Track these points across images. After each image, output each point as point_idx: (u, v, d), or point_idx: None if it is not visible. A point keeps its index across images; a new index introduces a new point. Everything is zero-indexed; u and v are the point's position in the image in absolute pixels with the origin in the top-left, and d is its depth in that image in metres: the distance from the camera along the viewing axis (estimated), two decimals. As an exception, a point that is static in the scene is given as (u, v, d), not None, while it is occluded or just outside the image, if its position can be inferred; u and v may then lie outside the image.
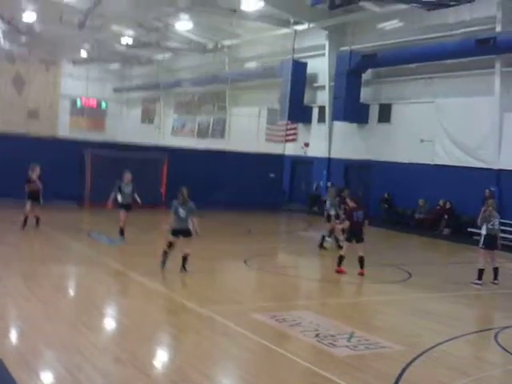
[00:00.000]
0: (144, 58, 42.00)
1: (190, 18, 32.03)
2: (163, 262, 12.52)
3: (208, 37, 34.48)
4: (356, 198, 14.68)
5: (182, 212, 12.43)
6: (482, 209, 13.83)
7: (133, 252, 15.28)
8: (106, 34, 36.06)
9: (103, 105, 49.63)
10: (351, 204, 14.20)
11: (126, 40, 37.65)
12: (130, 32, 36.32)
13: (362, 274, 13.56)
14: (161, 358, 8.14)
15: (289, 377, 7.43)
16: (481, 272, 13.43)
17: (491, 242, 13.48)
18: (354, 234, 13.66)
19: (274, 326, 9.46)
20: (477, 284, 13.33)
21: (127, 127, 46.66)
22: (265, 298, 11.50)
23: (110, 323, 9.63)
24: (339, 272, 13.68)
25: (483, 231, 13.55)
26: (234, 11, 26.59)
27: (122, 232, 15.98)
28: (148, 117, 47.27)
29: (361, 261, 13.59)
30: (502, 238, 20.59)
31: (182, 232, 12.49)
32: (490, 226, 13.50)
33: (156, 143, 32.14)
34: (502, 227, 20.89)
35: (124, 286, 11.75)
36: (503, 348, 9.09)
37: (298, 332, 9.17)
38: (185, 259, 12.48)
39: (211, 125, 39.60)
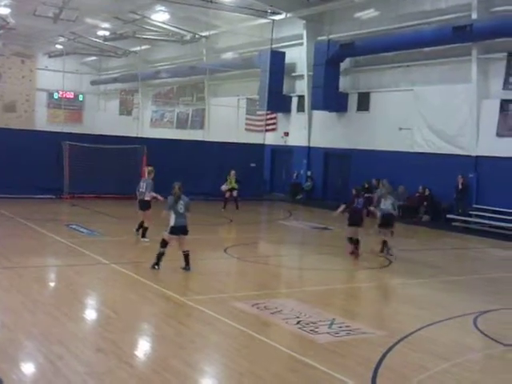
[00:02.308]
0: (121, 50, 41.66)
1: (166, 10, 31.85)
2: (157, 264, 11.91)
3: (185, 28, 34.27)
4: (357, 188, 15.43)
5: (180, 207, 11.83)
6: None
7: (113, 243, 15.25)
8: (82, 26, 35.69)
9: (80, 97, 49.23)
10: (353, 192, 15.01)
11: (102, 32, 37.34)
12: (106, 24, 35.99)
13: (353, 254, 14.45)
14: (143, 347, 8.13)
15: (271, 364, 7.45)
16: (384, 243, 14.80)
17: (385, 221, 14.78)
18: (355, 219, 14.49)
19: (256, 313, 9.48)
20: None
21: (105, 119, 46.32)
22: (246, 287, 11.51)
23: (90, 313, 9.59)
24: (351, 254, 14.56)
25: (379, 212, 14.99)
26: (211, 2, 26.43)
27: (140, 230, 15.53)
28: (126, 109, 46.95)
29: (356, 243, 14.44)
30: (480, 223, 21.01)
31: (181, 229, 11.87)
32: (383, 207, 14.83)
33: (135, 135, 31.94)
34: (480, 213, 21.33)
35: (105, 277, 11.68)
36: (482, 332, 9.20)
37: (280, 319, 9.20)
38: (187, 257, 11.96)
39: (190, 116, 39.48)
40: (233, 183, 23.56)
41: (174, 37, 35.47)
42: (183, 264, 11.95)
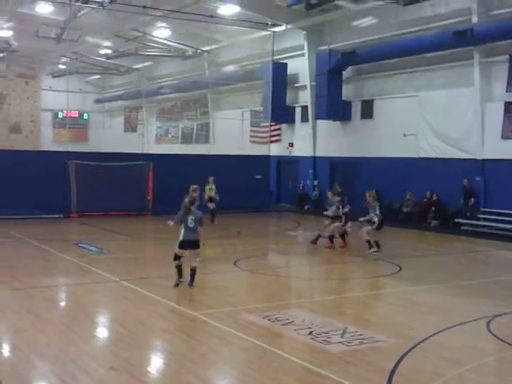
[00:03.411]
0: (124, 67, 41.92)
1: (167, 26, 32.05)
2: (179, 278, 11.79)
3: (187, 43, 34.45)
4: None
5: (190, 221, 11.64)
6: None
7: (122, 260, 15.25)
8: (84, 46, 35.95)
9: (85, 116, 49.50)
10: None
11: (105, 51, 37.59)
12: (108, 43, 36.25)
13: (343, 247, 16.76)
14: (155, 363, 8.11)
15: (285, 376, 7.41)
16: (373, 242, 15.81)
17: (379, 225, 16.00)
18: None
19: (267, 325, 9.45)
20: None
21: (110, 137, 46.55)
22: (256, 299, 11.48)
23: (102, 331, 9.58)
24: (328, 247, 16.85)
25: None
26: (211, 17, 26.58)
27: None
28: (131, 125, 47.17)
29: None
30: (488, 226, 20.92)
31: (190, 244, 11.71)
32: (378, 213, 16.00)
33: (140, 151, 32.06)
34: (488, 216, 21.24)
35: (115, 294, 11.68)
36: (495, 336, 9.14)
37: (292, 331, 9.17)
38: (193, 272, 11.79)
39: (195, 130, 39.60)
40: (211, 192, 22.31)
41: (175, 52, 35.65)
42: (189, 279, 11.87)
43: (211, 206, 22.24)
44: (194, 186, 15.08)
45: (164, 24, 31.72)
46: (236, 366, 7.90)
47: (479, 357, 8.31)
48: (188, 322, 9.65)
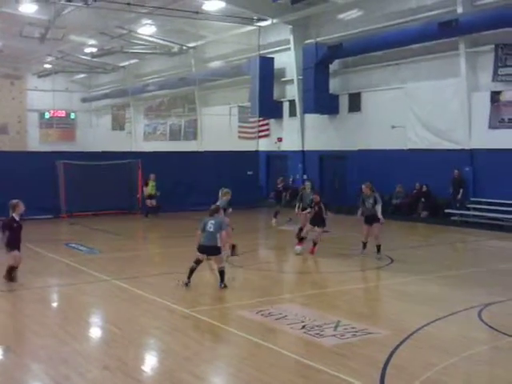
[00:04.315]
0: (109, 65, 41.73)
1: (152, 23, 31.92)
2: (188, 278, 11.50)
3: (173, 40, 34.34)
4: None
5: (209, 225, 11.33)
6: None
7: (112, 259, 15.20)
8: (69, 44, 35.75)
9: (72, 115, 49.25)
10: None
11: (90, 49, 37.40)
12: (93, 41, 36.06)
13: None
14: (149, 362, 8.09)
15: (279, 371, 7.42)
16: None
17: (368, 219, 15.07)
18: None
19: (261, 321, 9.46)
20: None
21: (98, 136, 46.39)
22: (249, 295, 11.46)
23: (95, 331, 9.55)
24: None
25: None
26: (197, 13, 26.50)
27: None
28: (118, 124, 47.01)
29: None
30: (478, 216, 21.01)
31: (206, 249, 11.40)
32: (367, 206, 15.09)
33: (128, 149, 31.96)
34: (477, 206, 21.35)
35: (107, 293, 11.65)
36: (487, 325, 9.21)
37: (285, 325, 9.18)
38: (220, 274, 11.46)
39: (183, 127, 39.52)
40: (152, 190, 23.22)
41: (161, 49, 35.54)
42: (219, 281, 11.61)
43: (150, 203, 23.29)
44: (225, 190, 15.18)
45: (149, 21, 31.61)
46: (230, 362, 7.90)
47: (471, 346, 8.35)
48: (181, 320, 9.63)
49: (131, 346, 8.34)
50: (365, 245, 15.13)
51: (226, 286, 11.47)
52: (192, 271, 11.53)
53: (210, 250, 11.38)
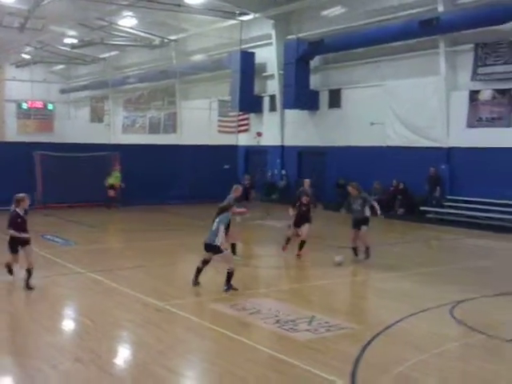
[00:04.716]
0: (89, 57, 41.32)
1: (133, 15, 31.68)
2: (194, 279, 11.14)
3: (154, 32, 34.10)
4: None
5: (215, 224, 10.94)
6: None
7: (88, 251, 15.09)
8: (49, 35, 35.33)
9: (50, 106, 48.69)
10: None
11: (70, 40, 37.00)
12: (73, 32, 35.69)
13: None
14: (122, 355, 8.05)
15: (253, 365, 7.42)
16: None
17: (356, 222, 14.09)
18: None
19: (235, 315, 9.46)
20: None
21: (76, 127, 45.87)
22: (222, 288, 11.45)
23: (68, 323, 9.49)
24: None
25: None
26: (179, 5, 26.34)
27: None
28: (97, 116, 46.53)
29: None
30: (453, 214, 21.18)
31: (207, 247, 10.92)
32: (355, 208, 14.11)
33: (107, 141, 31.70)
34: (453, 203, 21.52)
35: (81, 286, 11.56)
36: (459, 321, 9.29)
37: (259, 319, 9.19)
38: (227, 276, 10.87)
39: (162, 120, 39.32)
40: (115, 180, 23.27)
41: (142, 42, 35.27)
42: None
43: (111, 192, 23.36)
44: (236, 186, 14.61)
45: (130, 13, 31.34)
46: (203, 355, 7.90)
47: (443, 342, 8.43)
48: (155, 313, 9.59)
49: (104, 339, 8.29)
50: (355, 250, 14.20)
51: (230, 289, 10.75)
52: (199, 271, 11.14)
53: (208, 247, 10.93)
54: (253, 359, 7.62)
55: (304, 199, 14.44)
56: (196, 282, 11.14)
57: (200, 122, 32.67)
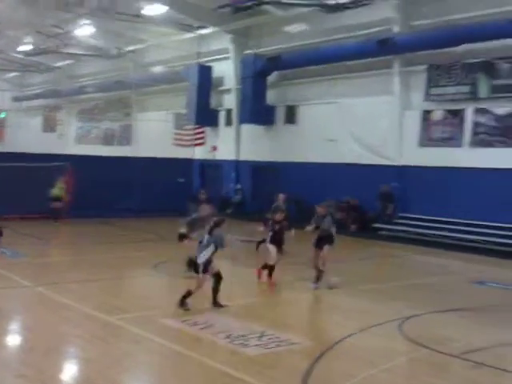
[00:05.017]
0: (44, 65, 40.73)
1: (91, 24, 31.35)
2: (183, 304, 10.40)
3: (111, 42, 33.85)
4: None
5: (204, 240, 10.43)
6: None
7: (37, 265, 14.76)
8: (2, 41, 34.71)
9: (2, 114, 47.77)
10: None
11: (24, 47, 36.41)
12: (28, 39, 35.13)
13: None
14: (68, 370, 7.86)
15: (201, 380, 7.37)
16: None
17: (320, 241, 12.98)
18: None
19: (186, 330, 9.37)
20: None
21: (28, 137, 45.02)
22: (175, 304, 11.34)
23: (12, 339, 9.20)
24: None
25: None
26: (137, 16, 26.21)
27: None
28: (50, 125, 45.88)
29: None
30: (404, 231, 21.48)
31: (191, 264, 10.59)
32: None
33: (59, 152, 31.16)
34: (404, 221, 21.84)
35: (28, 300, 11.28)
36: (407, 337, 9.40)
37: (210, 334, 9.12)
38: (188, 293, 10.38)
39: (117, 131, 38.94)
40: (59, 191, 22.76)
41: (99, 51, 34.96)
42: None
43: (57, 204, 22.68)
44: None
45: (87, 22, 31.02)
46: (152, 371, 7.79)
47: (391, 357, 8.50)
48: (102, 328, 9.40)
49: (49, 355, 8.08)
50: (320, 273, 12.84)
51: (182, 306, 10.26)
52: (214, 291, 10.62)
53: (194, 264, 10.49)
54: (202, 374, 7.55)
55: (278, 216, 13.27)
56: (185, 307, 10.37)
57: (156, 134, 32.47)
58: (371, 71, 23.55)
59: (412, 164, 22.12)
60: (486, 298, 12.79)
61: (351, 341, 9.07)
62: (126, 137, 37.72)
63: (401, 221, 22.07)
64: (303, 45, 25.40)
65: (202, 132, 30.99)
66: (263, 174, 28.00)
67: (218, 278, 10.59)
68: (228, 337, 8.95)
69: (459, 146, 21.10)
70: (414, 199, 21.95)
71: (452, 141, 21.32)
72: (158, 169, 25.99)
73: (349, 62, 23.92)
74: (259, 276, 13.26)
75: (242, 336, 8.98)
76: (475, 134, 20.70)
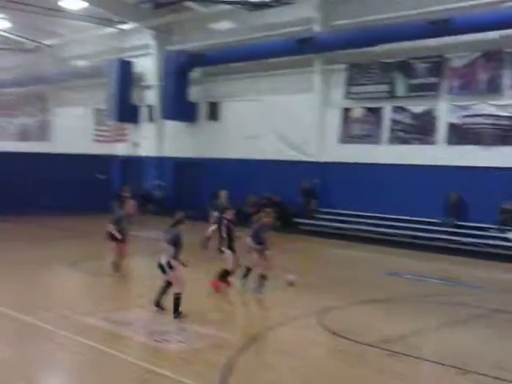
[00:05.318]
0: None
1: (6, 17, 30.34)
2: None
3: (28, 36, 32.81)
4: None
5: (163, 239, 10.03)
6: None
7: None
8: None
9: None
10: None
11: None
12: None
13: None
14: (-19, 371, 7.61)
15: (122, 377, 7.31)
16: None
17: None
18: None
19: (106, 327, 9.24)
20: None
21: None
22: (95, 301, 11.17)
23: None
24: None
25: None
26: (56, 10, 25.52)
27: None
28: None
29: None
30: (325, 226, 21.90)
31: (159, 266, 10.01)
32: None
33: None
34: (328, 216, 22.27)
35: None
36: (326, 328, 9.60)
37: (130, 331, 9.05)
38: (174, 302, 9.94)
39: (35, 127, 37.78)
40: None
41: (15, 45, 33.83)
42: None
43: None
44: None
45: (3, 15, 29.98)
46: (72, 370, 7.67)
47: (311, 349, 8.68)
48: (21, 327, 9.15)
49: (-39, 355, 7.82)
50: (248, 270, 12.23)
51: (179, 316, 9.76)
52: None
53: (160, 267, 10.00)
54: (122, 371, 7.49)
55: (229, 214, 12.51)
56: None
57: (75, 130, 31.73)
58: (293, 69, 23.84)
59: (333, 160, 22.58)
60: (401, 289, 13.23)
61: (273, 333, 9.21)
62: (43, 133, 36.65)
63: (322, 216, 22.48)
64: (227, 42, 25.42)
65: (123, 128, 30.54)
66: (186, 171, 27.87)
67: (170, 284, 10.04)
68: (149, 333, 8.90)
69: (378, 142, 21.69)
70: (335, 195, 22.40)
71: (371, 138, 21.88)
72: (77, 165, 25.39)
73: (271, 60, 24.14)
74: (216, 288, 12.07)
75: (164, 332, 8.94)
76: (393, 131, 21.34)
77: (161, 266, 9.93)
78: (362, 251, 19.01)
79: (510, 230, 17.80)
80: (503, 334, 9.89)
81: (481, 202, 18.42)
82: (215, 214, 15.47)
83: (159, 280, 13.49)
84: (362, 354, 8.43)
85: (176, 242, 9.87)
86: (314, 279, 13.83)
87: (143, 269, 15.23)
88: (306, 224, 22.59)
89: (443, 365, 7.95)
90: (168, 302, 10.12)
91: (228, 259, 12.11)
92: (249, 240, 11.96)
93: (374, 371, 7.79)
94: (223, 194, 16.75)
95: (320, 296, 11.99)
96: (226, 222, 12.34)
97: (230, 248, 12.14)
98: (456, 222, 19.18)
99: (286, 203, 23.44)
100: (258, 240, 11.95)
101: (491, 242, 18.02)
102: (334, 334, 9.28)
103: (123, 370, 7.54)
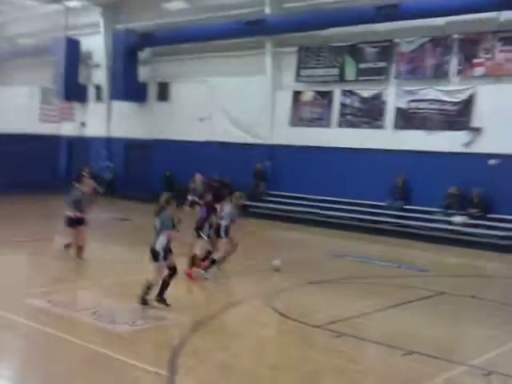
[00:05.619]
0: None
1: None
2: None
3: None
4: None
5: (157, 224, 9.47)
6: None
7: None
8: None
9: None
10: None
11: None
12: None
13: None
14: None
15: (69, 359, 7.20)
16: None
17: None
18: None
19: (51, 309, 9.07)
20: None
21: None
22: (40, 282, 10.93)
23: None
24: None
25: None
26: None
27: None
28: None
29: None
30: (276, 209, 22.00)
31: (151, 252, 9.46)
32: None
33: None
34: (277, 199, 22.35)
35: None
36: (275, 310, 9.70)
37: (76, 312, 8.95)
38: (161, 288, 9.53)
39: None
40: None
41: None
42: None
43: None
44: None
45: None
46: (17, 354, 7.51)
47: (260, 330, 8.77)
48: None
49: None
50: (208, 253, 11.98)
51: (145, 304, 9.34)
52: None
53: (152, 252, 9.45)
54: (70, 353, 7.39)
55: (208, 197, 12.42)
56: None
57: (20, 109, 30.87)
58: (244, 51, 23.69)
59: (283, 143, 22.62)
60: (348, 271, 13.42)
61: (223, 316, 9.22)
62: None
63: (270, 198, 22.53)
64: (177, 22, 25.06)
65: (70, 108, 29.92)
66: (136, 152, 27.51)
67: (173, 271, 9.54)
68: (95, 314, 8.80)
69: (328, 126, 21.81)
70: (285, 178, 22.47)
71: (321, 121, 22.00)
72: (21, 145, 24.73)
73: (222, 41, 23.94)
74: (191, 276, 11.54)
75: (110, 314, 8.84)
76: (342, 115, 21.48)
77: (153, 252, 9.40)
78: (310, 234, 19.19)
79: (454, 214, 18.21)
80: (446, 316, 10.15)
81: (427, 186, 18.77)
82: (190, 197, 15.36)
83: (108, 263, 13.39)
84: (309, 336, 8.52)
85: (168, 227, 9.37)
86: (261, 262, 13.85)
87: (92, 249, 14.99)
88: (254, 207, 22.61)
89: (389, 346, 8.10)
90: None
91: (222, 247, 11.99)
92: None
93: (321, 351, 7.90)
94: (198, 177, 16.68)
95: (268, 279, 12.07)
96: (204, 207, 12.28)
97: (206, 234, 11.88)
98: (403, 206, 19.52)
99: (235, 186, 23.39)
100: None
101: (437, 225, 18.39)
102: (282, 315, 9.36)
103: (70, 351, 7.44)
